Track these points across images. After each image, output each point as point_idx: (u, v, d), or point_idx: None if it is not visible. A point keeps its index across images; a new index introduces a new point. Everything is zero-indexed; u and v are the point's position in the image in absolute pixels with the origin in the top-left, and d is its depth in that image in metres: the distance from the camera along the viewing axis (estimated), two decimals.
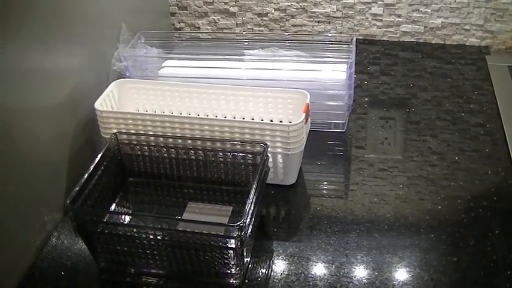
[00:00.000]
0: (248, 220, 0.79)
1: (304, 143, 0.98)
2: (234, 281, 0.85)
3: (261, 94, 1.04)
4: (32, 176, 0.91)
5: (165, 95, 1.07)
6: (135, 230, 0.83)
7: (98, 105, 1.00)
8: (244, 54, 1.16)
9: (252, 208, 0.82)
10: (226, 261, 0.82)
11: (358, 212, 0.98)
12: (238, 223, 0.78)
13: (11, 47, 0.83)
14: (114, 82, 1.07)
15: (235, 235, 0.78)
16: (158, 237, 0.83)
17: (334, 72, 1.11)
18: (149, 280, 0.88)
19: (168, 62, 1.17)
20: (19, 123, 0.87)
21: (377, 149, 1.12)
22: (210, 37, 1.39)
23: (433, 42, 1.45)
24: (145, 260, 0.86)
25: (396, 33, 1.45)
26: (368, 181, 1.04)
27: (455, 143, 1.11)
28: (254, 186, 0.84)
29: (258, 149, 0.94)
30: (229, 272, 0.84)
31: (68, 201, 0.84)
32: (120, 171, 1.00)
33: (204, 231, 0.80)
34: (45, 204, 0.95)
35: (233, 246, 0.80)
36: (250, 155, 0.95)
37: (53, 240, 0.95)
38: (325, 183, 1.05)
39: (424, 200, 0.99)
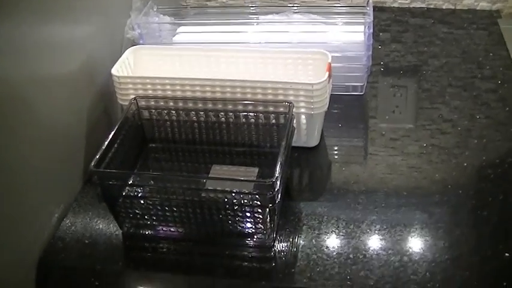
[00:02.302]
0: (280, 176, 0.76)
1: (328, 103, 0.95)
2: (266, 241, 0.82)
3: (280, 56, 1.01)
4: (50, 147, 0.88)
5: (181, 60, 1.03)
6: (162, 191, 0.80)
7: (115, 71, 0.97)
8: (258, 19, 1.13)
9: (282, 165, 0.78)
10: (259, 220, 0.79)
11: (383, 171, 0.95)
12: (271, 179, 0.75)
13: (19, 18, 0.79)
14: (129, 49, 1.03)
15: (268, 192, 0.75)
16: (186, 198, 0.80)
17: (352, 34, 1.08)
18: (176, 245, 0.85)
19: (182, 29, 1.14)
20: (35, 94, 0.83)
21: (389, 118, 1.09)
22: (219, 4, 1.35)
23: (444, 7, 1.42)
24: (172, 223, 0.83)
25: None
26: (382, 150, 1.00)
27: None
28: (283, 143, 0.81)
29: (282, 109, 0.91)
30: (260, 232, 0.81)
31: (92, 165, 0.80)
32: (140, 137, 0.97)
33: (235, 190, 0.77)
34: (64, 175, 0.92)
35: (266, 204, 0.77)
36: (273, 115, 0.92)
37: (73, 210, 0.92)
38: (347, 145, 1.03)
39: (449, 163, 0.96)
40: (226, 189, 0.77)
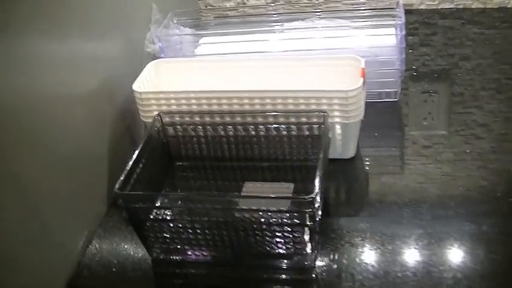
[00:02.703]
0: (320, 191, 0.70)
1: (363, 111, 0.88)
2: (306, 263, 0.75)
3: (309, 63, 0.94)
4: (72, 170, 0.82)
5: (205, 72, 0.97)
6: (192, 213, 0.73)
7: (136, 87, 0.91)
8: (282, 26, 1.07)
9: (321, 180, 0.72)
10: (298, 239, 0.73)
11: (424, 181, 0.88)
12: (310, 195, 0.68)
13: (35, 34, 0.74)
14: (150, 63, 0.98)
15: (307, 209, 0.69)
16: (219, 219, 0.73)
17: (382, 37, 1.02)
18: (210, 270, 0.78)
19: (204, 40, 1.08)
20: (53, 115, 0.78)
21: (421, 125, 1.02)
22: (240, 14, 1.28)
23: (473, 7, 1.36)
24: (204, 247, 0.77)
25: (434, 1, 1.36)
26: (420, 160, 0.93)
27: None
28: (321, 156, 0.75)
29: (315, 119, 0.84)
30: (300, 253, 0.75)
31: (117, 187, 0.74)
32: (166, 155, 0.91)
33: (271, 208, 0.70)
34: (87, 199, 0.87)
35: (305, 222, 0.70)
36: (306, 126, 0.86)
37: (98, 235, 0.86)
38: (384, 155, 0.97)
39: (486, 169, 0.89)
40: (262, 208, 0.71)
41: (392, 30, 1.01)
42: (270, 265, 0.77)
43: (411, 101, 1.09)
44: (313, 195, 0.68)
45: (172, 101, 0.90)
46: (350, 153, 0.92)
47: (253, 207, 0.71)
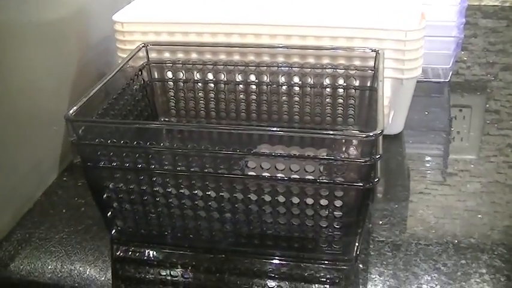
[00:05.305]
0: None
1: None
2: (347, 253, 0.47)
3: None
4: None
5: (215, 9, 0.71)
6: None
7: (118, 17, 0.65)
8: None
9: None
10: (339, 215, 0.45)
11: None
12: (372, 132, 0.41)
13: None
14: None
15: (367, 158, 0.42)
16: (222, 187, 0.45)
17: None
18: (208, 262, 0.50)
19: None
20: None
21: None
22: None
23: None
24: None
25: None
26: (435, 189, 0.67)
27: None
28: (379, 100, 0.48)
29: (358, 62, 0.58)
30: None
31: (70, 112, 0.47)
32: (148, 106, 0.63)
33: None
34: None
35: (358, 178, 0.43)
36: (346, 73, 0.59)
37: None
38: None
39: None
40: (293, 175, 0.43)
41: None
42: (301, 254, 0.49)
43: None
44: (375, 132, 0.41)
45: (165, 36, 0.63)
46: (398, 126, 0.66)
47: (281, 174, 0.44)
